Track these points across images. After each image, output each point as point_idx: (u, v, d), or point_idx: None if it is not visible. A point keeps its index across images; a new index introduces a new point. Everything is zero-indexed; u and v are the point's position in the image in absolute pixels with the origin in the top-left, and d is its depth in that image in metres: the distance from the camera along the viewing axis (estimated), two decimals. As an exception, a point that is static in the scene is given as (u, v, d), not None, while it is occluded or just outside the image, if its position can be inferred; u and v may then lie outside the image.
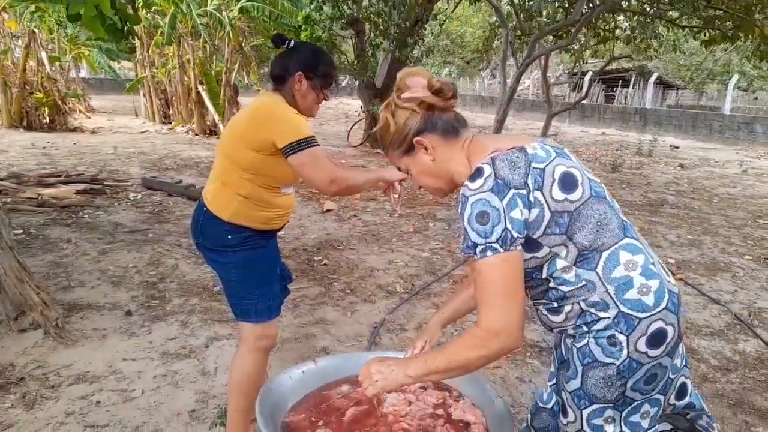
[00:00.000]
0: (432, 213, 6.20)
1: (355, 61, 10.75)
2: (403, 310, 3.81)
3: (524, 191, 1.28)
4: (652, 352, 1.31)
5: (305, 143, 1.93)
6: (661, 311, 1.31)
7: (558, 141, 11.61)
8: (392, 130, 1.43)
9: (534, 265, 1.34)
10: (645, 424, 1.41)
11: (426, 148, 1.41)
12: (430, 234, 5.52)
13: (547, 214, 1.29)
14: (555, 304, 1.37)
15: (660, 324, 1.30)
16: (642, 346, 1.30)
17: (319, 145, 1.97)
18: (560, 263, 1.32)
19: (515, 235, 1.25)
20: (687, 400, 1.52)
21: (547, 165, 1.33)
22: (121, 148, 9.94)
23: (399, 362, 1.44)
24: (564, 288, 1.34)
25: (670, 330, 1.31)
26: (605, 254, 1.32)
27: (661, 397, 1.40)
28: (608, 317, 1.31)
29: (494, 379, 3.03)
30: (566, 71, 24.63)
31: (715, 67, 24.09)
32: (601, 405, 1.37)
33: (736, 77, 18.81)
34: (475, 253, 1.25)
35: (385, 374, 1.41)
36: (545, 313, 1.43)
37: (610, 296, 1.30)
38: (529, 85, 27.21)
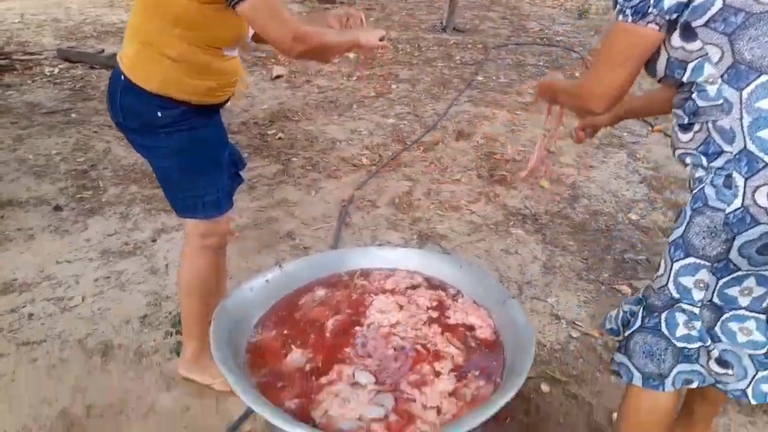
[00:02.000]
0: (394, 73, 5.64)
1: None
2: (373, 184, 3.46)
3: None
4: None
5: None
6: None
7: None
8: None
9: (680, 58, 1.18)
10: (743, 302, 1.21)
11: None
12: (394, 97, 5.03)
13: (718, 4, 1.11)
14: (686, 120, 1.22)
15: None
16: (762, 199, 1.11)
17: None
18: (708, 70, 1.15)
19: (651, 9, 1.12)
20: None
21: None
22: (30, 15, 8.57)
23: None
24: (700, 102, 1.18)
25: None
26: (762, 79, 1.11)
27: None
28: (730, 152, 1.15)
29: (477, 253, 2.80)
30: None
31: None
32: (697, 260, 1.20)
33: None
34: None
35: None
36: (676, 129, 1.28)
37: (742, 127, 1.13)
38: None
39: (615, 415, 1.86)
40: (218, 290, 1.90)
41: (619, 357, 1.40)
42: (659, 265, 1.34)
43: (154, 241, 2.82)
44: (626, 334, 1.37)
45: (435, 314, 1.43)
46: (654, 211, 3.27)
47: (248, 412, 1.80)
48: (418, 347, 1.32)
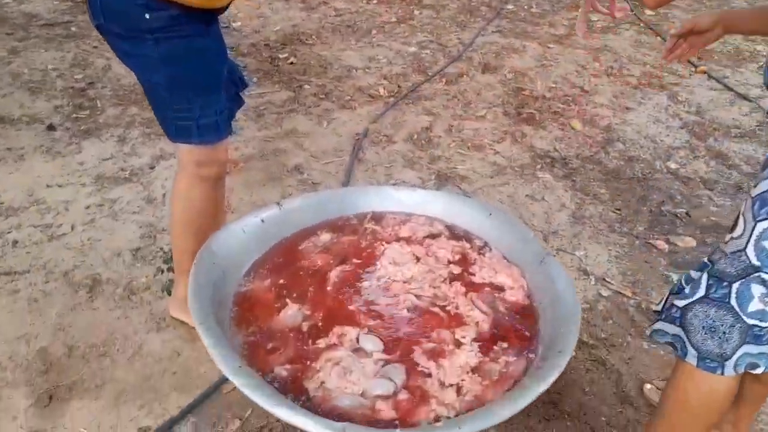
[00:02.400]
0: (417, -1, 5.20)
1: None
2: (389, 117, 3.18)
3: None
4: None
5: None
6: None
7: None
8: None
9: None
10: None
11: None
12: (416, 24, 4.64)
13: None
14: None
15: None
16: None
17: None
18: None
19: None
20: None
21: None
22: None
23: None
24: None
25: None
26: None
27: None
28: None
29: (500, 197, 2.56)
30: None
31: None
32: None
33: None
34: None
35: None
36: None
37: None
38: None
39: (647, 386, 1.68)
40: (215, 226, 1.70)
41: (671, 328, 1.19)
42: (735, 225, 1.11)
43: (152, 168, 2.61)
44: (683, 304, 1.16)
45: (457, 270, 1.21)
46: (695, 159, 2.98)
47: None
48: (436, 309, 1.12)
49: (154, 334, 1.76)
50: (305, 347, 1.03)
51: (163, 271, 1.98)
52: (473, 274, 1.21)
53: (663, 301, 1.24)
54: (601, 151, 2.98)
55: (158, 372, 1.64)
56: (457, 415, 0.91)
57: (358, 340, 1.03)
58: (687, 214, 2.53)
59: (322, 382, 0.96)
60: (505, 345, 1.04)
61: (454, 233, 1.33)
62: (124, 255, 2.08)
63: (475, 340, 1.05)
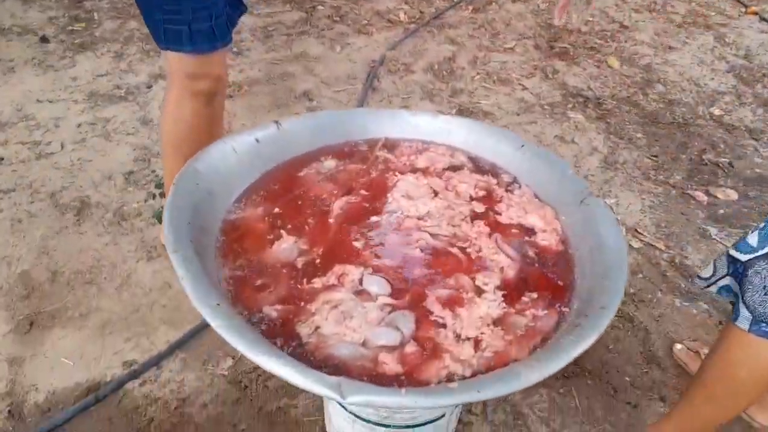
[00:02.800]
0: None
1: None
2: (409, 45, 2.93)
3: None
4: None
5: None
6: None
7: None
8: None
9: None
10: None
11: None
12: (444, -53, 4.27)
13: None
14: None
15: None
16: None
17: None
18: None
19: None
20: None
21: None
22: None
23: None
24: None
25: None
26: None
27: None
28: None
29: (526, 137, 2.35)
30: None
31: None
32: None
33: None
34: None
35: None
36: None
37: None
38: None
39: (677, 347, 1.53)
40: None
41: (735, 284, 1.02)
42: None
43: (149, 87, 2.42)
44: (746, 258, 0.98)
45: (481, 208, 1.04)
46: (742, 106, 2.73)
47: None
48: (455, 250, 0.95)
49: (144, 263, 1.63)
50: (300, 286, 0.87)
51: (155, 197, 1.83)
52: (499, 214, 1.04)
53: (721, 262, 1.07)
54: (639, 93, 2.73)
55: (147, 304, 1.52)
56: (473, 375, 0.76)
57: (361, 281, 0.88)
58: (730, 164, 2.32)
59: (317, 327, 0.81)
60: (533, 296, 0.88)
61: (479, 166, 1.15)
62: (115, 178, 1.93)
63: (498, 288, 0.89)
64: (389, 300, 0.85)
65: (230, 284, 0.87)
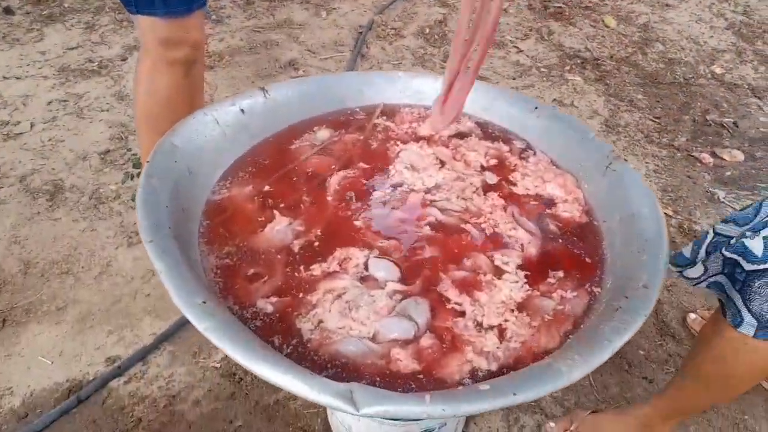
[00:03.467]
0: None
1: None
2: (398, 8, 2.78)
3: None
4: None
5: None
6: None
7: None
8: None
9: None
10: None
11: None
12: None
13: None
14: None
15: None
16: None
17: None
18: None
19: None
20: None
21: None
22: None
23: None
24: None
25: None
26: None
27: None
28: None
29: (523, 102, 2.24)
30: None
31: None
32: None
33: None
34: None
35: None
36: None
37: None
38: None
39: (692, 316, 1.46)
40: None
41: (729, 285, 0.91)
42: None
43: (124, 60, 2.27)
44: (750, 268, 0.86)
45: (494, 178, 0.94)
46: (743, 64, 2.63)
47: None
48: (468, 227, 0.86)
49: (124, 249, 1.52)
50: (297, 274, 0.77)
51: (133, 177, 1.70)
52: (514, 184, 0.94)
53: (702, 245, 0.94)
54: (638, 52, 2.62)
55: (129, 293, 1.41)
56: (501, 370, 0.67)
57: (366, 266, 0.78)
58: (734, 124, 2.23)
59: (320, 321, 0.71)
60: (559, 274, 0.79)
61: (489, 132, 1.05)
62: (90, 158, 1.80)
63: (520, 267, 0.80)
64: (399, 286, 0.76)
65: (218, 275, 0.77)
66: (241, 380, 1.23)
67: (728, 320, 0.90)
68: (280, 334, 0.70)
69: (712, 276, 0.91)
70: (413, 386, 0.65)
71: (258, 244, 0.82)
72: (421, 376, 0.67)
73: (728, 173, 1.99)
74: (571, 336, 0.71)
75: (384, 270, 0.78)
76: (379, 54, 2.44)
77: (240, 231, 0.84)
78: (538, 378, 0.59)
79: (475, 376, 0.67)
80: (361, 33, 2.53)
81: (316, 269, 0.78)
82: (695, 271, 0.93)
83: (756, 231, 0.82)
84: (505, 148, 1.01)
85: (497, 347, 0.70)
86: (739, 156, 2.07)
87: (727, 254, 0.87)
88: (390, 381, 0.65)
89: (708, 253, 0.91)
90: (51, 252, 1.49)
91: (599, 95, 2.32)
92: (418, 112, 1.08)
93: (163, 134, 1.31)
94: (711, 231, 0.91)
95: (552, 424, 1.20)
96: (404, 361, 0.68)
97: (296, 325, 0.71)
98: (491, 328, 0.72)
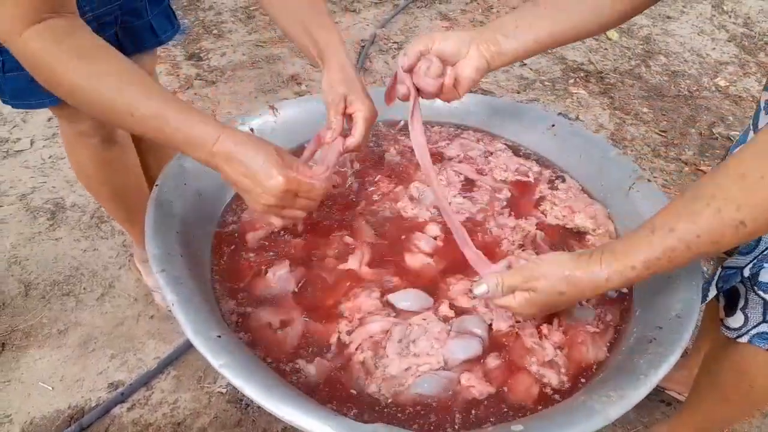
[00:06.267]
0: None
1: None
2: (400, 22, 2.77)
3: None
4: None
5: None
6: None
7: None
8: None
9: None
10: None
11: None
12: None
13: None
14: None
15: None
16: None
17: None
18: None
19: None
20: None
21: None
22: None
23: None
24: None
25: None
26: None
27: None
28: None
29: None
30: None
31: None
32: None
33: None
34: None
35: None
36: None
37: None
38: None
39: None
40: (139, 189, 1.24)
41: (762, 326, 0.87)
42: None
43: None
44: None
45: (522, 205, 0.91)
46: (746, 77, 2.62)
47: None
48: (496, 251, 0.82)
49: (126, 270, 1.48)
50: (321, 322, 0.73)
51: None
52: (544, 214, 0.90)
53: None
54: (641, 65, 2.62)
55: (132, 316, 1.38)
56: (571, 387, 0.65)
57: (388, 301, 0.74)
58: (741, 137, 2.21)
59: (385, 368, 0.66)
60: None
61: (517, 150, 1.02)
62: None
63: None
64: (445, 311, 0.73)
65: (239, 323, 0.72)
66: (248, 406, 1.19)
67: (759, 344, 0.87)
68: (336, 401, 0.63)
69: (753, 327, 0.86)
70: (492, 414, 0.63)
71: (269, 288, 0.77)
72: (504, 407, 0.64)
73: (737, 187, 1.97)
74: (601, 372, 0.67)
75: (408, 300, 0.74)
76: (382, 68, 2.43)
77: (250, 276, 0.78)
78: (571, 421, 0.55)
79: (543, 393, 0.65)
80: (363, 47, 2.52)
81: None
82: (736, 321, 0.86)
83: None
84: (535, 173, 0.96)
85: (557, 356, 0.68)
86: (747, 169, 2.05)
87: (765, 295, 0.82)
88: (466, 408, 0.63)
89: (727, 291, 0.86)
90: (52, 273, 1.45)
91: (604, 108, 2.31)
92: (447, 131, 1.06)
93: (107, 201, 1.24)
94: (719, 269, 0.87)
95: None
96: (477, 386, 0.64)
97: (365, 390, 0.64)
98: (546, 336, 0.70)
